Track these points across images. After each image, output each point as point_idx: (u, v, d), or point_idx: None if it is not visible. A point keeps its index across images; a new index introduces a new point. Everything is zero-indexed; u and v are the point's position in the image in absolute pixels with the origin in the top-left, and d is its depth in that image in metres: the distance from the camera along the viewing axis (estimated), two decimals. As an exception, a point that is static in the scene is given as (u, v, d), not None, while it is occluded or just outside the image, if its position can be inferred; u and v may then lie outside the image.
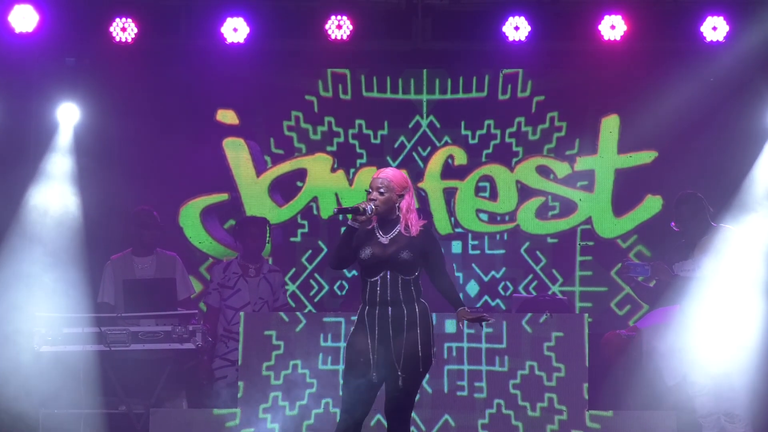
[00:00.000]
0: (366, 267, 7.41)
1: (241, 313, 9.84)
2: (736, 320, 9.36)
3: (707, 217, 9.71)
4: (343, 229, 7.52)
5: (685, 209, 9.74)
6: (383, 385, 7.41)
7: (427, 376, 9.44)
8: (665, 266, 9.70)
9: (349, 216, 7.33)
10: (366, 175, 11.52)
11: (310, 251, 11.58)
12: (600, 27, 10.87)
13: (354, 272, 11.26)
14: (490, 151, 11.59)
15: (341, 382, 7.55)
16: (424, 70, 11.59)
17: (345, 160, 11.60)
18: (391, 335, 7.36)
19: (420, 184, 11.59)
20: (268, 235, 10.59)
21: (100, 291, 10.37)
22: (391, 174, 7.47)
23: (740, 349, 9.34)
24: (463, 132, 11.62)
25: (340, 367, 9.48)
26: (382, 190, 7.40)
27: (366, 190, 7.43)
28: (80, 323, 9.63)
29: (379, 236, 7.40)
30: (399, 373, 7.33)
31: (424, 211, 11.43)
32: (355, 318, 7.48)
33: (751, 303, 9.37)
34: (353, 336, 7.43)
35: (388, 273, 7.38)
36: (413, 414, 9.45)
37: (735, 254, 9.46)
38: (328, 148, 11.63)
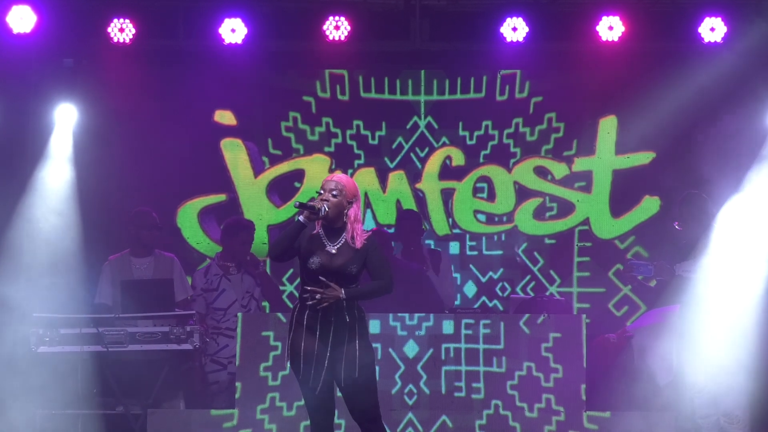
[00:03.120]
0: (312, 275, 7.37)
1: (239, 314, 9.85)
2: (736, 320, 9.36)
3: (710, 218, 9.72)
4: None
5: (689, 209, 9.75)
6: (340, 389, 7.43)
7: (425, 376, 9.54)
8: (668, 266, 9.70)
9: (296, 210, 7.33)
10: (364, 176, 11.54)
11: (307, 252, 11.55)
12: (598, 28, 10.88)
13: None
14: (487, 151, 11.59)
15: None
16: (422, 71, 11.59)
17: (343, 161, 11.60)
18: (337, 340, 7.34)
19: (418, 185, 11.59)
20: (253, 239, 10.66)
21: (97, 292, 10.37)
22: (345, 179, 7.47)
23: (739, 349, 9.34)
24: (461, 133, 11.62)
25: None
26: (335, 193, 7.37)
27: (318, 192, 7.40)
28: (78, 324, 9.63)
29: (326, 244, 7.35)
30: (353, 377, 7.33)
31: (422, 212, 11.45)
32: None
33: (751, 303, 9.37)
34: (296, 339, 7.38)
35: (333, 282, 7.33)
36: (410, 415, 9.52)
37: (735, 255, 9.47)
38: (326, 149, 11.63)
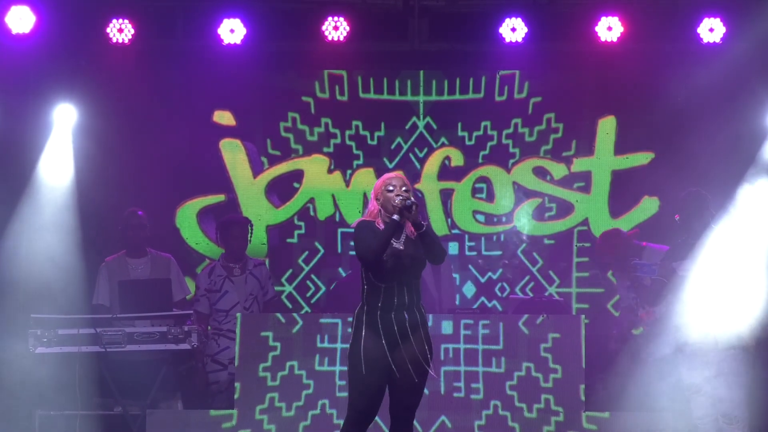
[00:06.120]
0: (384, 272, 7.40)
1: (238, 314, 9.84)
2: (734, 320, 9.35)
3: (710, 217, 9.72)
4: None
5: (692, 206, 9.75)
6: (397, 384, 7.45)
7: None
8: (672, 267, 9.69)
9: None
10: (363, 176, 11.53)
11: (306, 252, 11.57)
12: (597, 28, 10.90)
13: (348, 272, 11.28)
14: (486, 152, 11.59)
15: (351, 385, 7.49)
16: (421, 72, 11.58)
17: (342, 162, 11.60)
18: (407, 338, 7.41)
19: (417, 186, 11.59)
20: (250, 235, 10.61)
21: (94, 292, 10.36)
22: (404, 177, 7.59)
23: (738, 349, 9.33)
24: (460, 133, 11.62)
25: (337, 368, 9.50)
26: (405, 188, 7.49)
27: (387, 189, 7.44)
28: (75, 324, 9.62)
29: (393, 242, 7.41)
30: (415, 372, 7.39)
31: (421, 212, 11.44)
32: (352, 320, 7.49)
33: (749, 304, 9.36)
34: (368, 341, 7.39)
35: (404, 278, 7.42)
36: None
37: (734, 254, 9.46)
38: (325, 150, 11.62)
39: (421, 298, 7.52)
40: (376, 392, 7.39)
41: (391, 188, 7.45)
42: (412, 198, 7.40)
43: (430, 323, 9.52)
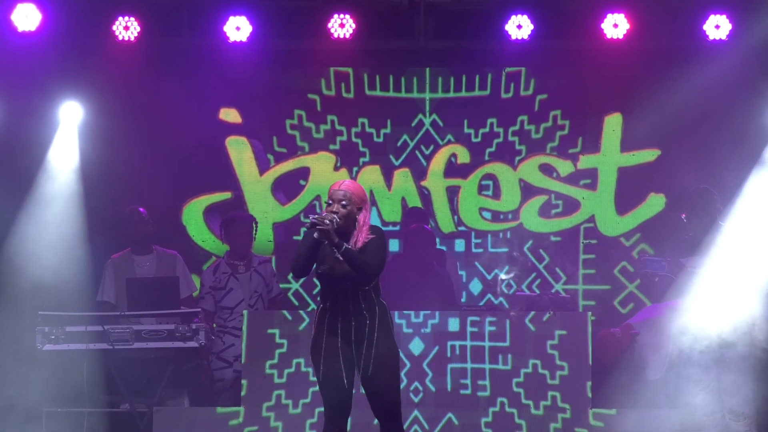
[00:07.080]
0: (326, 281, 7.42)
1: (244, 312, 9.84)
2: (740, 317, 9.36)
3: (716, 214, 9.72)
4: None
5: (699, 203, 9.75)
6: (363, 386, 7.48)
7: (431, 373, 9.55)
8: (681, 263, 9.70)
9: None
10: (369, 173, 11.53)
11: (313, 250, 11.55)
12: (603, 25, 10.89)
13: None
14: (493, 149, 11.59)
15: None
16: (427, 69, 11.58)
17: (348, 159, 11.60)
18: (358, 341, 7.40)
19: (423, 183, 11.59)
20: (254, 232, 10.60)
21: (99, 290, 10.37)
22: (352, 186, 7.44)
23: (745, 345, 9.34)
24: (466, 130, 11.62)
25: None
26: (344, 203, 7.36)
27: (326, 202, 7.40)
28: (83, 322, 9.63)
29: (334, 251, 7.32)
30: (372, 374, 7.39)
31: (428, 210, 11.46)
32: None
33: (754, 301, 9.37)
34: (318, 340, 7.43)
35: (348, 285, 7.38)
36: (416, 412, 9.52)
37: (740, 252, 9.47)
38: (331, 147, 11.62)
39: (374, 298, 7.43)
40: (332, 389, 7.38)
41: (330, 203, 7.38)
42: (332, 217, 7.24)
43: (436, 320, 9.61)
